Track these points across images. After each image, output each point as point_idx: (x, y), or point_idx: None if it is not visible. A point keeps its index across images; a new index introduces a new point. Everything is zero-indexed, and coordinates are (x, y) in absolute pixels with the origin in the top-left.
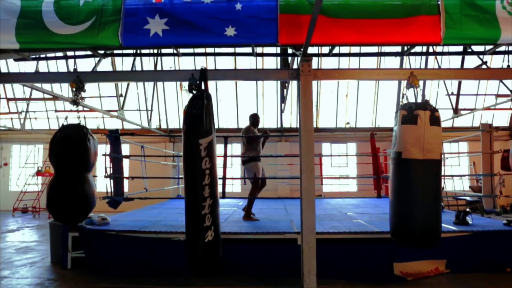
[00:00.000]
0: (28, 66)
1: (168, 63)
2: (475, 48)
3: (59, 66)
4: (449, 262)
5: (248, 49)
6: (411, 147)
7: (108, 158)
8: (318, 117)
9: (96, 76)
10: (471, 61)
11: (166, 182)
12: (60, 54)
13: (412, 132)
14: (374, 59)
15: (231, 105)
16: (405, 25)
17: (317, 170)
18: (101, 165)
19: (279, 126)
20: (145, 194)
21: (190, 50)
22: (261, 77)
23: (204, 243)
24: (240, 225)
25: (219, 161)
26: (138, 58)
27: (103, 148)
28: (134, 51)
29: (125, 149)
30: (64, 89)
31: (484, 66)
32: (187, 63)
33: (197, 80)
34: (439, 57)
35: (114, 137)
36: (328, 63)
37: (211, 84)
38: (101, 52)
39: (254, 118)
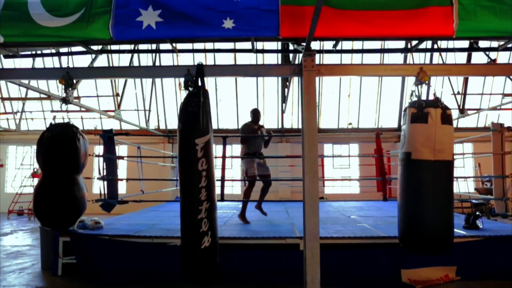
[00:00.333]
0: (24, 65)
1: (166, 62)
2: (482, 44)
3: (56, 64)
4: (460, 268)
5: (248, 45)
6: (421, 147)
7: (101, 159)
8: (320, 117)
9: (87, 72)
10: (476, 59)
11: (164, 183)
12: (59, 50)
13: (422, 131)
14: (377, 56)
15: (231, 105)
16: (414, 17)
17: (319, 171)
18: (96, 166)
19: (280, 126)
20: (141, 196)
21: (189, 46)
22: (261, 73)
23: (201, 250)
24: (239, 229)
25: (217, 162)
26: (135, 57)
27: (99, 149)
28: (133, 47)
29: (123, 150)
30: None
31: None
32: (186, 61)
33: (193, 76)
34: (443, 55)
35: (108, 137)
36: (330, 60)
37: (210, 84)
38: (98, 48)
39: (253, 114)
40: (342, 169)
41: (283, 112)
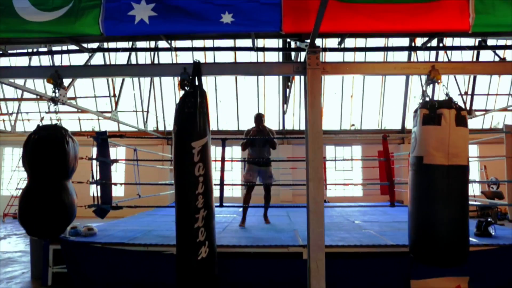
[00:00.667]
0: (20, 64)
1: (165, 61)
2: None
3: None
4: (473, 279)
5: (248, 42)
6: (435, 151)
7: (94, 162)
8: (322, 119)
9: (78, 70)
10: (483, 58)
11: (163, 187)
12: (52, 49)
13: (435, 134)
14: (379, 55)
15: (231, 106)
16: (427, 11)
17: None
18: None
19: (281, 128)
20: (137, 201)
21: (188, 44)
22: (262, 71)
23: (197, 261)
24: (239, 236)
25: (215, 166)
26: (133, 57)
27: (95, 152)
28: (131, 44)
29: (121, 152)
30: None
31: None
32: (184, 60)
33: (190, 75)
34: (449, 53)
35: (101, 140)
36: (331, 59)
37: (210, 84)
38: (93, 47)
39: (255, 118)
40: (345, 172)
41: (284, 113)
